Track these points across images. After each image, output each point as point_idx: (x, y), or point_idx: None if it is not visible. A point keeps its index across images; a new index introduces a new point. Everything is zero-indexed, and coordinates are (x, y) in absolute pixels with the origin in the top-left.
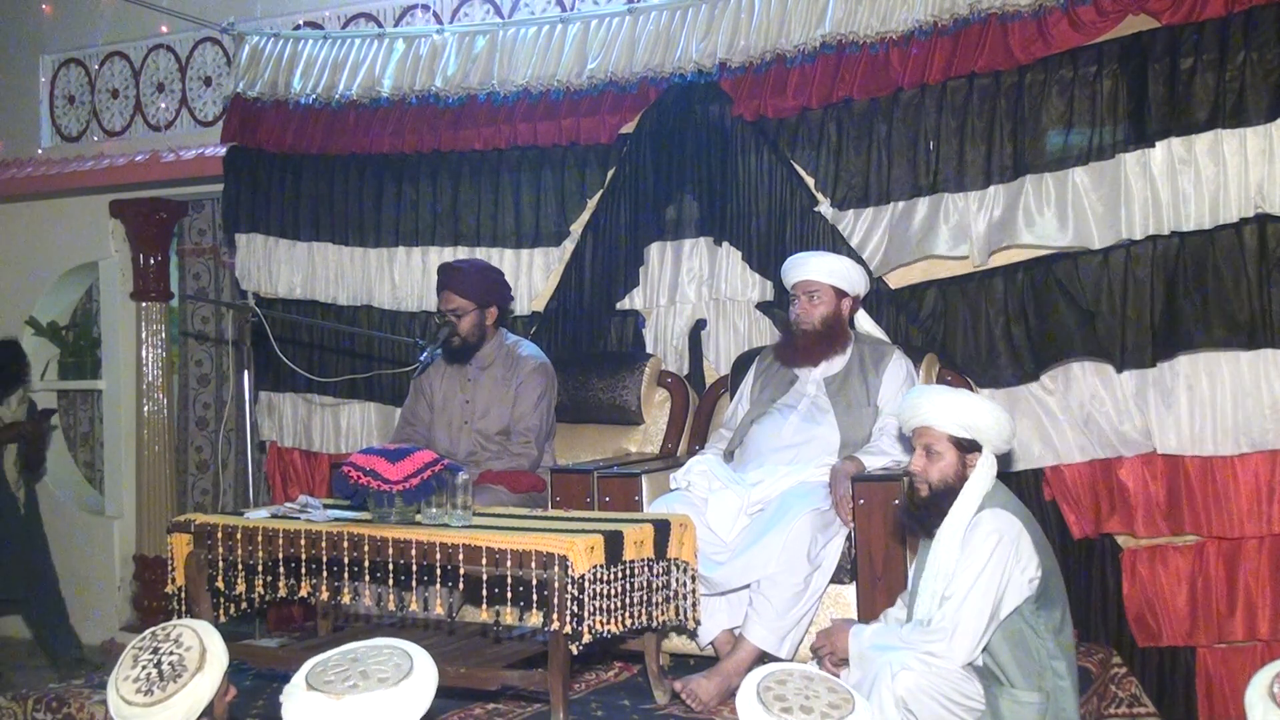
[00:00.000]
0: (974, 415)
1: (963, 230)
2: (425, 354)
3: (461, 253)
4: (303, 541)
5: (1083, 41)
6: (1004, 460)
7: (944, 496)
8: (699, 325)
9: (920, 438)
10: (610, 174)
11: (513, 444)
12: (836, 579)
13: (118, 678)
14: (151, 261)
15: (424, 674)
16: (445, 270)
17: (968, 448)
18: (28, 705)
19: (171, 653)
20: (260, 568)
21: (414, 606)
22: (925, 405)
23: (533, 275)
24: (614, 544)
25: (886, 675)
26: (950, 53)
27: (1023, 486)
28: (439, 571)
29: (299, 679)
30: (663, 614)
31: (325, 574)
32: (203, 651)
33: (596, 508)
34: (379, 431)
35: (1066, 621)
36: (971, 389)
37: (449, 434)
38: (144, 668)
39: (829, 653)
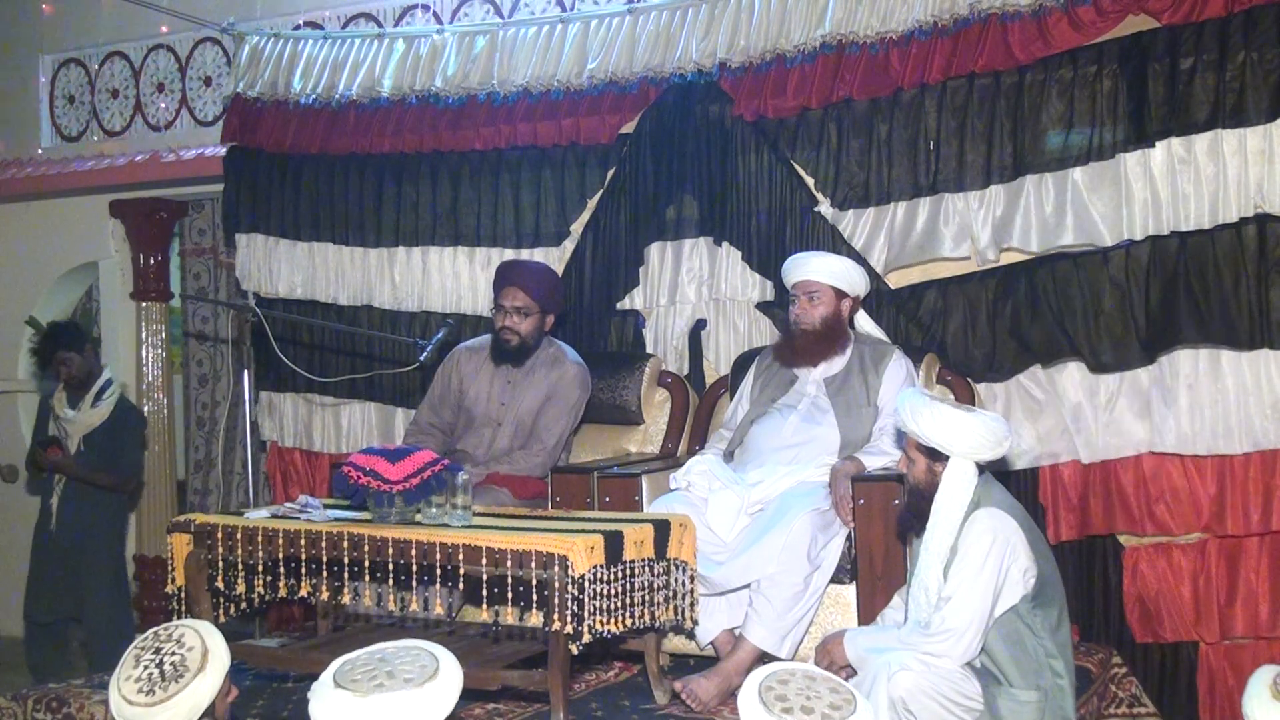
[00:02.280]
0: (937, 426)
1: (964, 230)
2: (425, 353)
3: (461, 253)
4: (303, 541)
5: (1083, 41)
6: (1001, 460)
7: (919, 500)
8: (699, 325)
9: (903, 439)
10: (610, 174)
11: (531, 443)
12: (836, 579)
13: (119, 677)
14: (151, 261)
15: (450, 675)
16: (514, 266)
17: (932, 456)
18: (28, 705)
19: (173, 653)
20: (260, 568)
21: (414, 606)
22: (900, 409)
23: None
24: (614, 544)
25: (885, 676)
26: (950, 53)
27: (1021, 486)
28: (439, 571)
29: (327, 677)
30: (663, 614)
31: (325, 574)
32: (205, 652)
33: (596, 508)
34: (379, 431)
35: (1064, 620)
36: (971, 389)
37: (477, 435)
38: (146, 668)
39: (830, 664)
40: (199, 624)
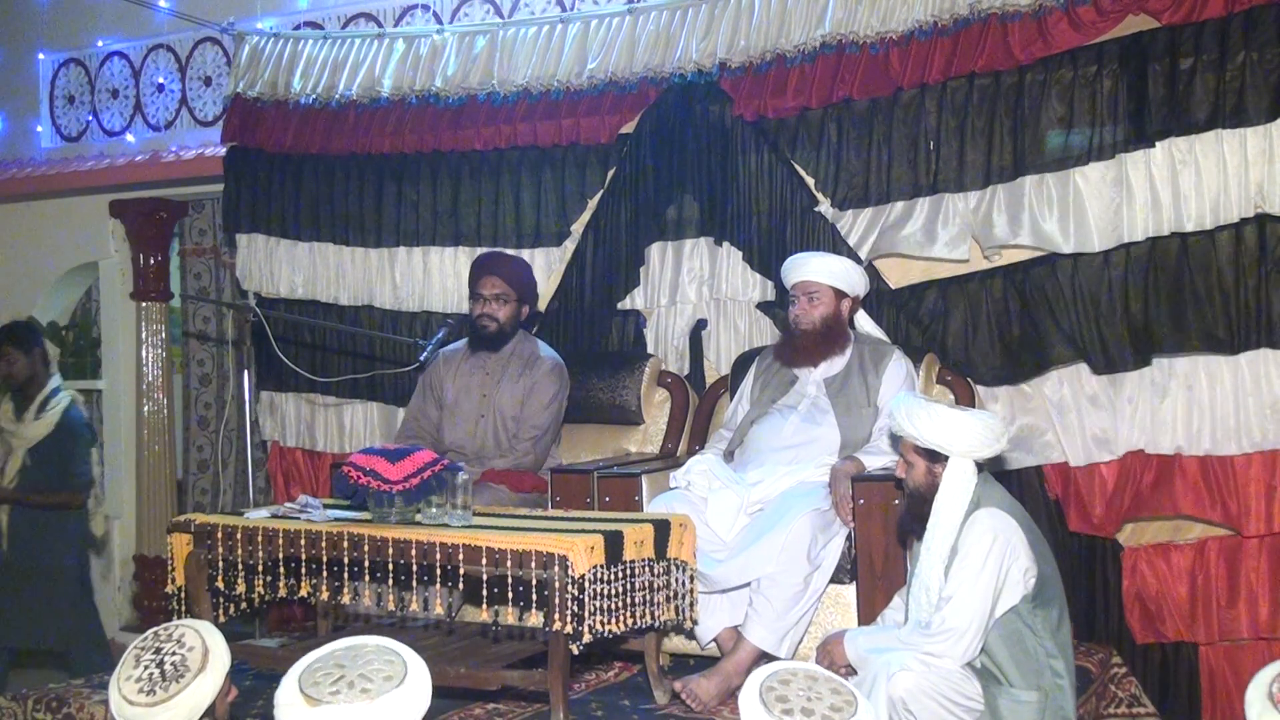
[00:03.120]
0: (934, 427)
1: (963, 230)
2: (426, 353)
3: (462, 253)
4: (303, 541)
5: (1083, 41)
6: (998, 459)
7: (919, 503)
8: (699, 325)
9: (899, 444)
10: (610, 174)
11: (518, 443)
12: (836, 579)
13: (119, 677)
14: (151, 261)
15: (418, 679)
16: (493, 257)
17: (931, 457)
18: (28, 705)
19: (174, 653)
20: (260, 568)
21: (414, 606)
22: (895, 414)
23: (534, 275)
24: (614, 544)
25: (885, 676)
26: (950, 53)
27: (1024, 484)
28: (439, 571)
29: (291, 690)
30: (663, 614)
31: (325, 574)
32: (205, 652)
33: (596, 508)
34: (381, 431)
35: (1064, 621)
36: (971, 389)
37: (462, 431)
38: (146, 668)
39: (831, 664)
40: (199, 624)
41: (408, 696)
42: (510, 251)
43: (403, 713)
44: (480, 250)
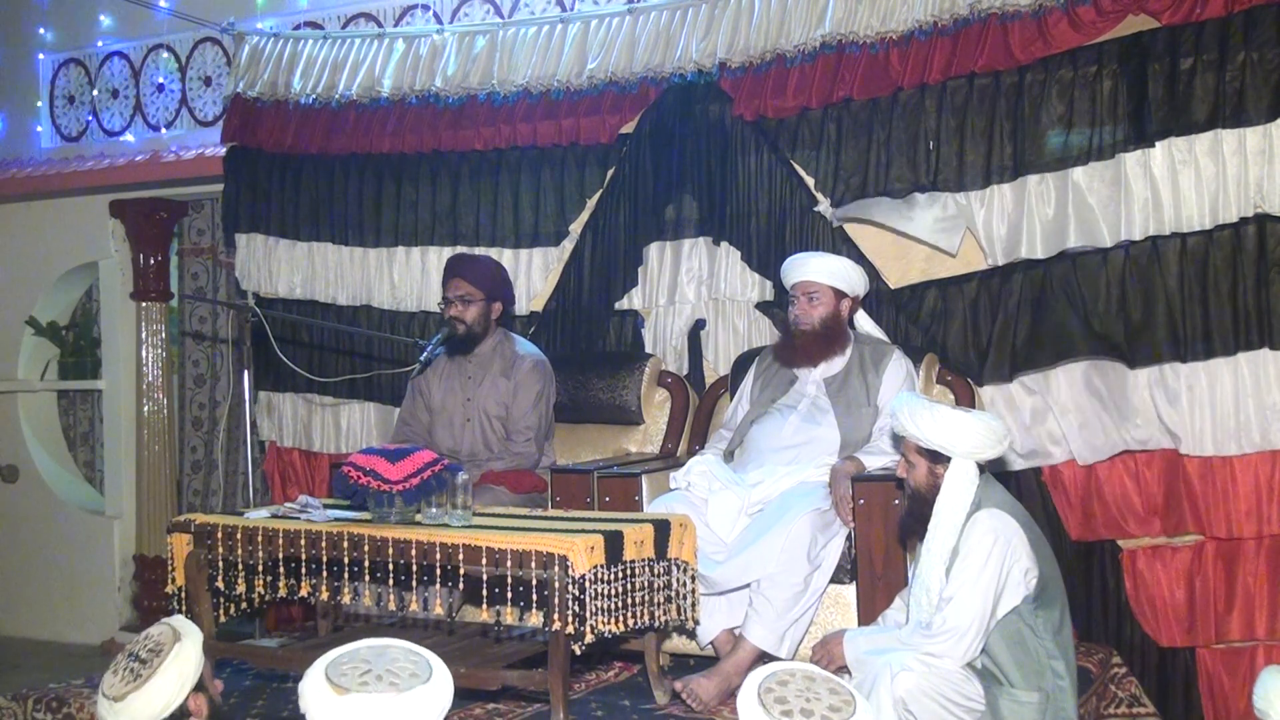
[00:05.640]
0: (937, 428)
1: (956, 223)
2: (425, 353)
3: (461, 252)
4: (303, 541)
5: (1083, 41)
6: (998, 460)
7: (920, 504)
8: (698, 325)
9: (901, 444)
10: (610, 174)
11: (512, 443)
12: (836, 579)
13: (103, 690)
14: (151, 261)
15: (444, 675)
16: (458, 259)
17: (933, 458)
18: (28, 705)
19: (143, 646)
20: (260, 568)
21: (414, 606)
22: (898, 414)
23: (532, 275)
24: (614, 544)
25: (886, 676)
26: (950, 53)
27: (1023, 486)
28: (439, 571)
29: (318, 679)
30: (663, 614)
31: (325, 574)
32: (173, 630)
33: (596, 508)
34: (379, 431)
35: (1065, 621)
36: (971, 389)
37: (450, 434)
38: (124, 667)
39: (828, 664)
40: (161, 621)
41: (433, 694)
42: (525, 255)
43: (427, 710)
44: (479, 250)
